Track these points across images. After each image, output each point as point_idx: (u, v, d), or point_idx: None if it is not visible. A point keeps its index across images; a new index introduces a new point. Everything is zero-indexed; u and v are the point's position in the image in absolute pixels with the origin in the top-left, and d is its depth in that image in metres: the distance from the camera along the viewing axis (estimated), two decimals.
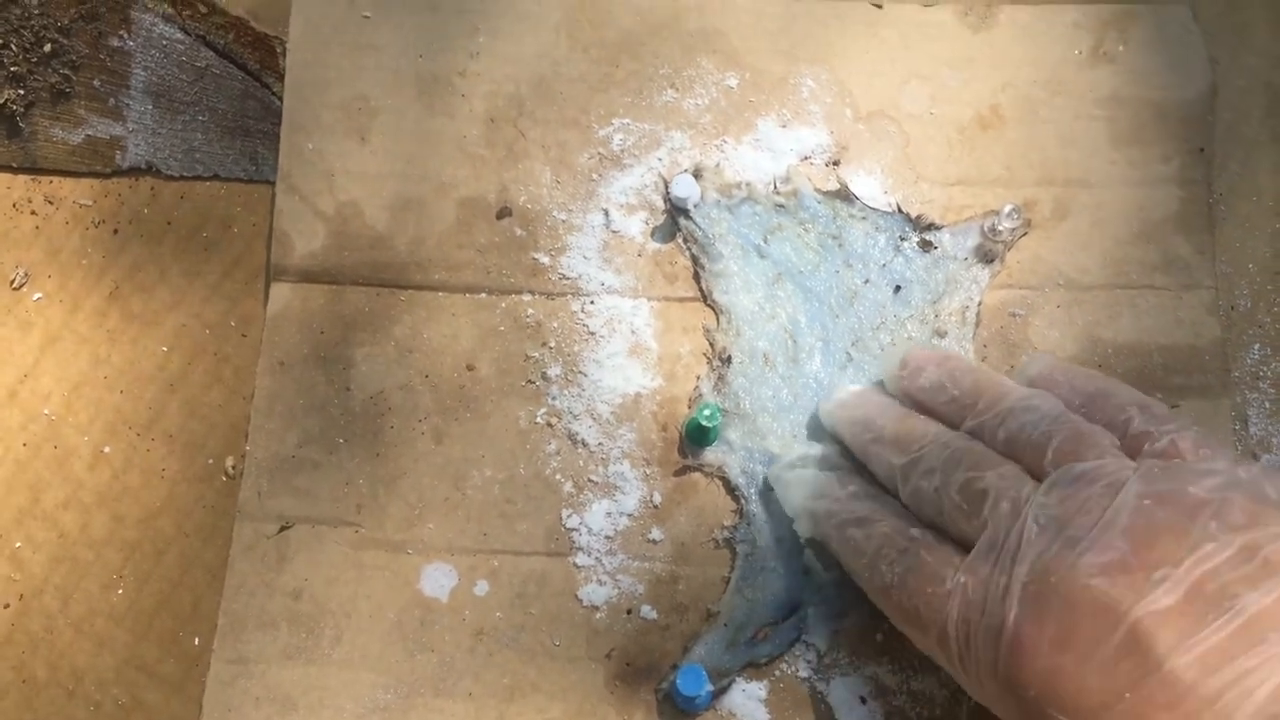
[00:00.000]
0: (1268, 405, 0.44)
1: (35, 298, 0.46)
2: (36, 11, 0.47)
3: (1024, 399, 0.39)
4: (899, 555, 0.38)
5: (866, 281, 0.45)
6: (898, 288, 0.44)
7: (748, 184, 0.46)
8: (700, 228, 0.45)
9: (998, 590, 0.35)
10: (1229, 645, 0.32)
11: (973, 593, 0.36)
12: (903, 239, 0.45)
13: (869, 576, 0.39)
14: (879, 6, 0.47)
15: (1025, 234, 0.45)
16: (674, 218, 0.45)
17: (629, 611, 0.42)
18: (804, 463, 0.42)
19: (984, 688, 0.36)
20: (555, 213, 0.46)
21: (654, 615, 0.42)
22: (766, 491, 0.43)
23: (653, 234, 0.46)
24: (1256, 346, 0.45)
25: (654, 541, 0.43)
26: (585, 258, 0.45)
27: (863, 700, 0.41)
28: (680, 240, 0.45)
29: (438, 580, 0.42)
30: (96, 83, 0.47)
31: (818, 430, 0.43)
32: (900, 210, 0.45)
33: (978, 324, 0.44)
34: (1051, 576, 0.34)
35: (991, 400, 0.39)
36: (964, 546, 0.37)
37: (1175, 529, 0.33)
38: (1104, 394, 0.39)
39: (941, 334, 0.44)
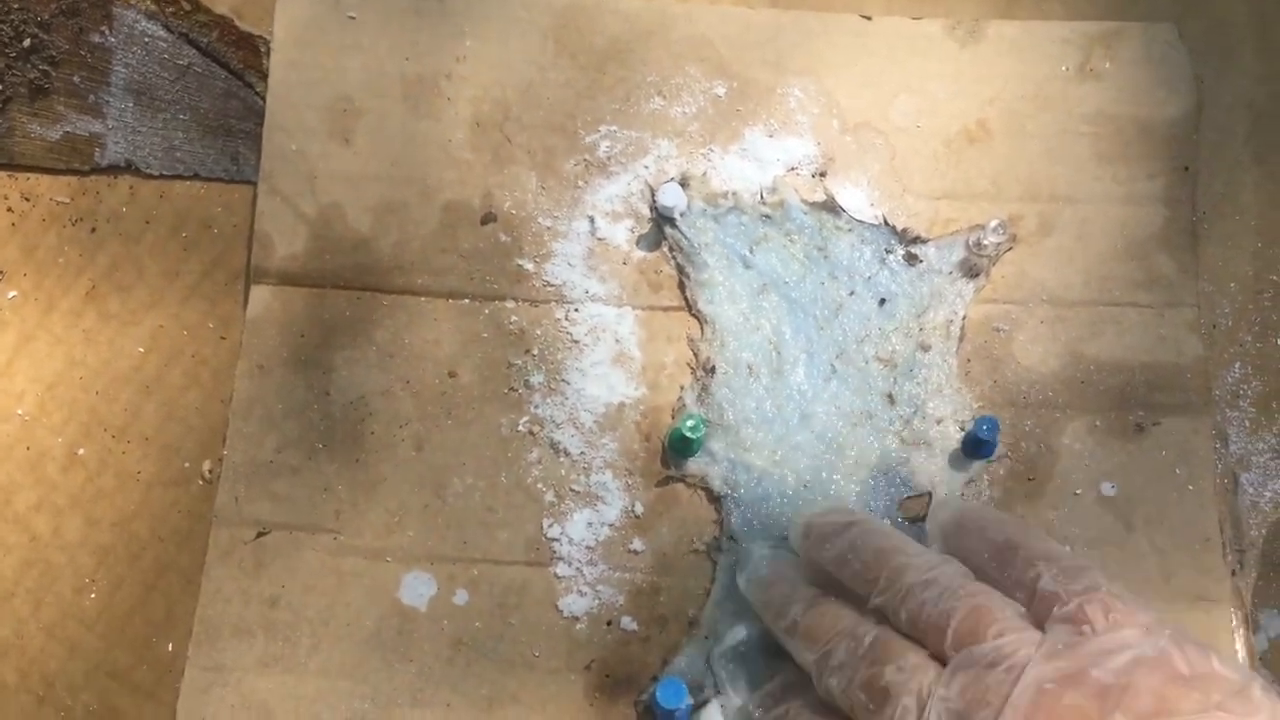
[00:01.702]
0: (1247, 424, 0.44)
1: (10, 296, 0.45)
2: (16, 6, 0.46)
3: (924, 571, 0.37)
4: None
5: (852, 293, 0.45)
6: (883, 300, 0.44)
7: (734, 194, 0.45)
8: (686, 237, 0.45)
9: None
10: None
11: None
12: (888, 252, 0.45)
13: None
14: (868, 19, 0.47)
15: (1010, 249, 0.45)
16: (660, 226, 0.45)
17: (609, 623, 0.42)
18: (738, 647, 0.41)
19: None
20: (540, 219, 0.45)
21: (634, 626, 0.42)
22: (751, 503, 0.42)
23: (638, 242, 0.45)
24: (1237, 365, 0.45)
25: (635, 552, 0.42)
26: (570, 265, 0.45)
27: None
28: (666, 249, 0.45)
29: (416, 589, 0.42)
30: (76, 79, 0.47)
31: (798, 444, 0.43)
32: (886, 223, 0.45)
33: (962, 338, 0.44)
34: None
35: (892, 575, 0.37)
36: None
37: (1083, 717, 0.32)
38: (1011, 547, 0.37)
39: (925, 348, 0.44)
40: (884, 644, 0.36)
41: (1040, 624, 0.35)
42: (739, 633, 0.41)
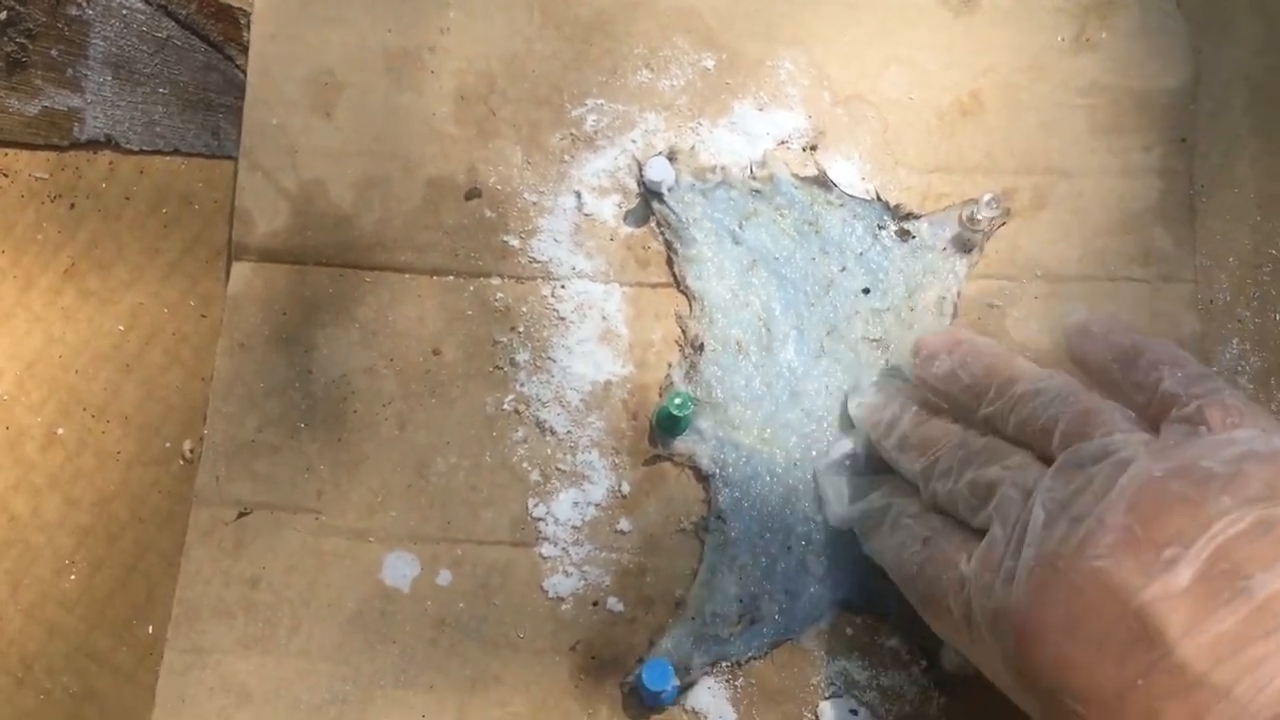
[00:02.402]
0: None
1: None
2: None
3: (1034, 382, 0.37)
4: (920, 545, 0.38)
5: (843, 269, 0.44)
6: (866, 290, 0.43)
7: (723, 168, 0.45)
8: (674, 212, 0.44)
9: (1005, 577, 0.34)
10: (1241, 631, 0.30)
11: (982, 580, 0.35)
12: (880, 227, 0.44)
13: (897, 569, 0.38)
14: None
15: (1004, 223, 0.44)
16: (647, 201, 0.44)
17: (595, 603, 0.41)
18: (843, 462, 0.42)
19: (1000, 677, 0.35)
20: (526, 194, 0.45)
21: (620, 607, 0.41)
22: (739, 482, 0.42)
23: (626, 218, 0.45)
24: (1235, 341, 0.44)
25: (622, 532, 0.42)
26: (556, 241, 0.44)
27: (853, 713, 0.40)
28: (654, 224, 0.44)
29: (399, 569, 0.41)
30: (54, 52, 0.46)
31: (787, 422, 0.42)
32: (878, 198, 0.45)
33: (955, 314, 0.44)
34: (1059, 561, 0.33)
35: (1002, 386, 0.38)
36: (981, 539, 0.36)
37: (1186, 503, 0.32)
38: (1137, 351, 0.37)
39: (918, 325, 0.43)
40: (991, 447, 0.37)
41: (1156, 427, 0.35)
42: (844, 446, 0.42)
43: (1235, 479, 0.32)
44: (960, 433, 0.39)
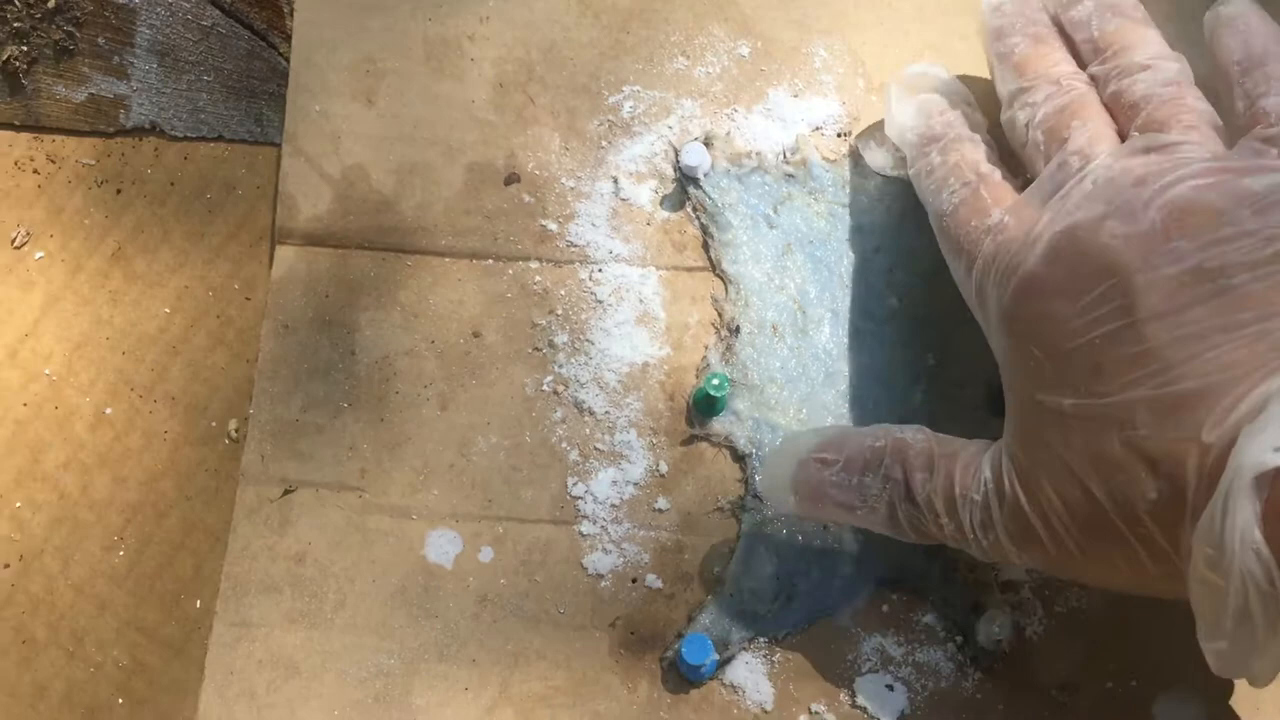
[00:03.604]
0: None
1: (37, 257, 0.46)
2: None
3: (1150, 57, 0.39)
4: (961, 186, 0.40)
5: (877, 250, 0.44)
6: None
7: (758, 153, 0.45)
8: (710, 197, 0.45)
9: (1031, 234, 0.37)
10: (1204, 318, 0.33)
11: (1008, 231, 0.37)
12: (912, 210, 0.45)
13: (934, 201, 0.41)
14: None
15: None
16: (683, 186, 0.45)
17: (634, 580, 0.42)
18: (921, 81, 0.43)
19: (987, 323, 0.38)
20: (564, 180, 0.45)
21: (659, 584, 0.42)
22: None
23: (662, 202, 0.45)
24: None
25: (660, 510, 0.42)
26: (594, 225, 0.45)
27: (889, 688, 0.41)
28: (689, 209, 0.45)
29: (442, 546, 0.42)
30: (101, 40, 0.47)
31: (823, 404, 0.43)
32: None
33: None
34: (1080, 230, 0.35)
35: (1120, 50, 0.39)
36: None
37: (1210, 211, 0.34)
38: (1265, 59, 0.38)
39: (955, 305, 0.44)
40: (1082, 102, 0.39)
41: (1240, 136, 0.37)
42: (915, 67, 0.43)
43: (1266, 201, 0.34)
44: (1066, 71, 0.40)
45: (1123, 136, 0.38)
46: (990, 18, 0.42)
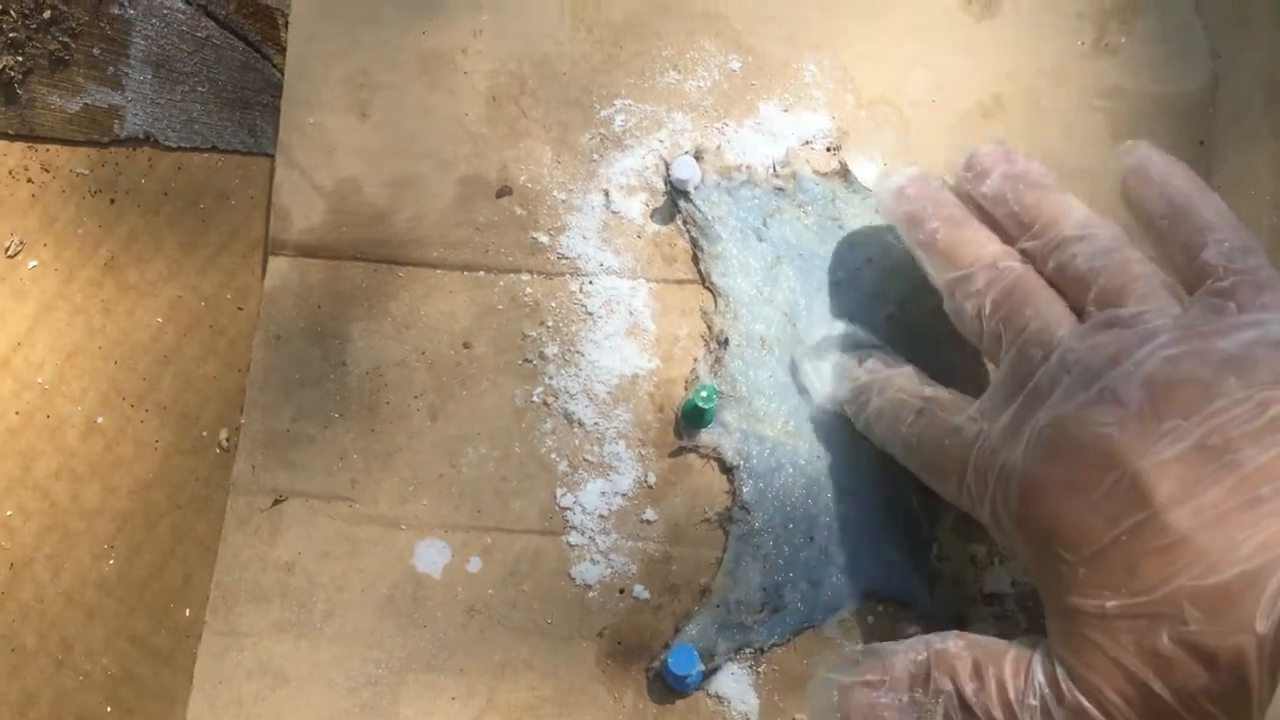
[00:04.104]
0: None
1: (30, 266, 0.46)
2: None
3: (1081, 227, 0.38)
4: (915, 416, 0.39)
5: (868, 261, 0.45)
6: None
7: (748, 167, 0.46)
8: (700, 210, 0.45)
9: (1014, 434, 0.36)
10: (1224, 499, 0.33)
11: (989, 439, 0.37)
12: None
13: (893, 440, 0.40)
14: None
15: None
16: (674, 200, 0.45)
17: (621, 591, 0.42)
18: (826, 345, 0.43)
19: (1001, 530, 0.37)
20: (555, 192, 0.46)
21: (646, 595, 0.42)
22: (763, 474, 0.43)
23: (652, 215, 0.46)
24: None
25: (648, 522, 0.43)
26: (584, 238, 0.45)
27: None
28: (680, 222, 0.45)
29: (431, 556, 0.42)
30: (96, 51, 0.47)
31: (810, 415, 0.43)
32: None
33: None
34: (1068, 423, 0.35)
35: (1048, 224, 0.39)
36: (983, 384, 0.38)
37: (1195, 383, 0.34)
38: (1189, 210, 0.37)
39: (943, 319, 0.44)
40: (1028, 287, 0.38)
41: (1191, 289, 0.37)
42: (818, 333, 0.43)
43: (1245, 363, 0.34)
44: (998, 251, 0.39)
45: (1075, 311, 0.37)
46: (896, 204, 0.41)
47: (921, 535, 0.42)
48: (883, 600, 0.42)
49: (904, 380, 0.40)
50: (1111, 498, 0.34)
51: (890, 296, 0.44)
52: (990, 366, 0.41)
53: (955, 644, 0.37)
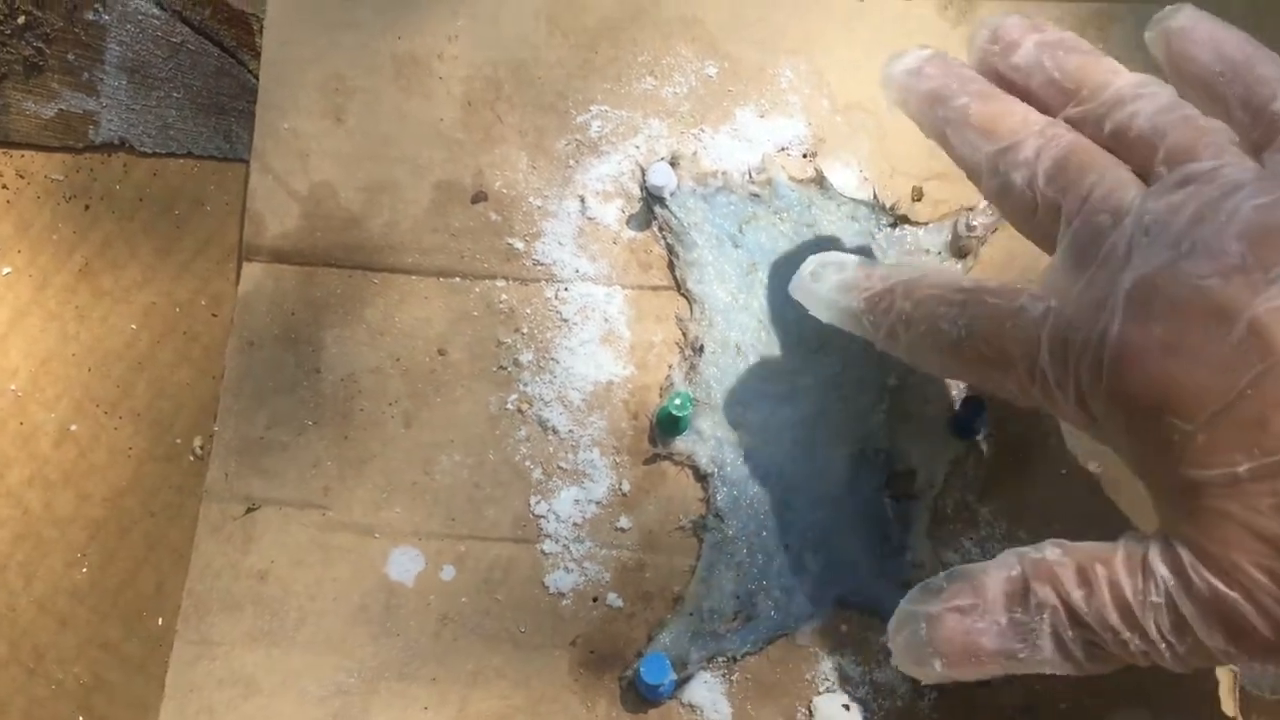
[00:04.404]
0: None
1: (4, 272, 0.46)
2: None
3: (1135, 85, 0.35)
4: (958, 309, 0.36)
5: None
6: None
7: (724, 173, 0.46)
8: (676, 216, 0.45)
9: (1095, 303, 0.33)
10: None
11: (1063, 313, 0.34)
12: (877, 229, 0.45)
13: (930, 343, 0.36)
14: None
15: (998, 230, 0.45)
16: (650, 206, 0.45)
17: (595, 599, 0.42)
18: (823, 269, 0.40)
19: (1087, 410, 0.34)
20: (531, 198, 0.45)
21: (620, 603, 0.42)
22: (737, 481, 0.43)
23: (628, 222, 0.45)
24: None
25: (622, 529, 0.42)
26: (560, 244, 0.45)
27: (845, 708, 0.41)
28: (655, 229, 0.45)
29: (404, 564, 0.42)
30: (70, 56, 0.47)
31: (785, 422, 0.43)
32: (875, 198, 0.45)
33: None
34: (1158, 281, 0.32)
35: (1097, 86, 0.36)
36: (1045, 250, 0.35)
37: None
38: (1249, 64, 0.35)
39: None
40: (1085, 150, 0.35)
41: (1259, 150, 0.34)
42: (812, 261, 0.40)
43: None
44: (1039, 120, 0.36)
45: (1140, 174, 0.35)
46: (914, 82, 0.38)
47: (894, 542, 0.42)
48: (856, 609, 0.42)
49: (936, 275, 0.37)
50: (1226, 351, 0.31)
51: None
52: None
53: (1053, 552, 0.34)
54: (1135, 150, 0.35)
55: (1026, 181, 0.35)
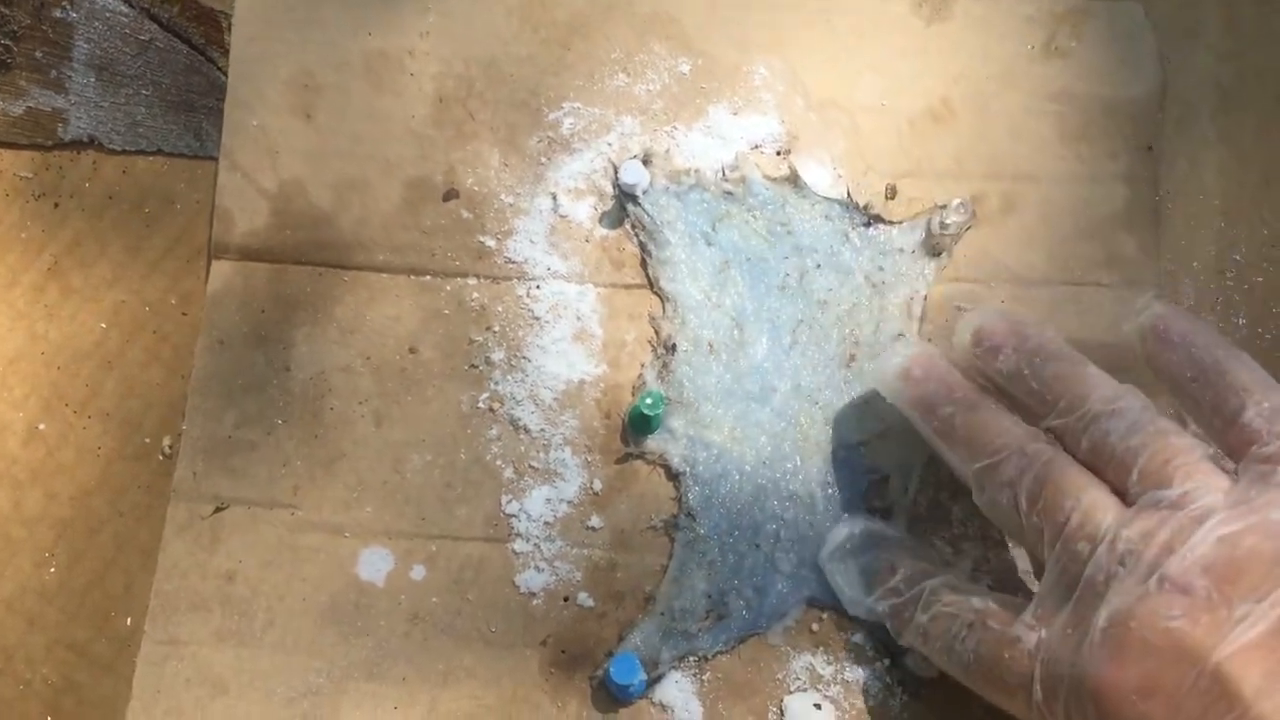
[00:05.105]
0: None
1: None
2: None
3: (1109, 401, 0.36)
4: (968, 631, 0.37)
5: (818, 266, 0.44)
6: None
7: (697, 171, 0.45)
8: (648, 214, 0.45)
9: (1076, 639, 0.34)
10: None
11: (1051, 647, 0.35)
12: (851, 228, 0.45)
13: (947, 660, 0.38)
14: None
15: (972, 228, 0.45)
16: (622, 204, 0.45)
17: (566, 599, 0.42)
18: (850, 544, 0.41)
19: None
20: (502, 196, 0.45)
21: (591, 603, 0.42)
22: (709, 481, 0.42)
23: (601, 219, 0.45)
24: None
25: (593, 529, 0.42)
26: (532, 242, 0.45)
27: (817, 707, 0.41)
28: (628, 226, 0.45)
29: (374, 564, 0.42)
30: (38, 54, 0.47)
31: (757, 422, 0.43)
32: (849, 197, 0.45)
33: (923, 317, 0.44)
34: (1131, 621, 0.33)
35: (1074, 400, 0.37)
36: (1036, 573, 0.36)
37: (1259, 560, 0.32)
38: (1219, 370, 0.36)
39: (887, 326, 0.44)
40: (1062, 471, 0.36)
41: (1234, 457, 0.35)
42: (840, 534, 0.41)
43: None
44: (1023, 434, 0.37)
45: (1116, 491, 0.36)
46: (904, 387, 0.40)
47: None
48: (827, 608, 0.42)
49: (948, 593, 0.38)
50: (1194, 696, 0.32)
51: (840, 301, 0.44)
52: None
53: None
54: (1111, 469, 0.36)
55: (1010, 502, 0.37)
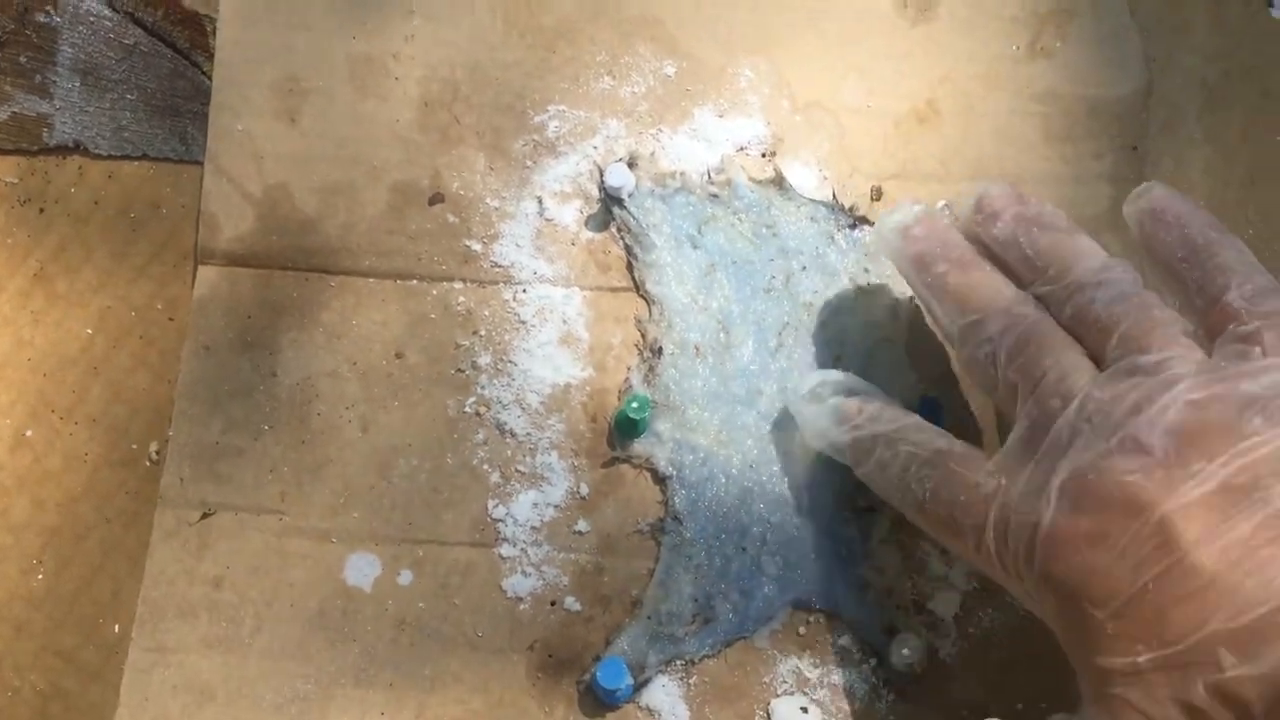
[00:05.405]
0: None
1: None
2: None
3: (1097, 271, 0.37)
4: (928, 470, 0.38)
5: (804, 269, 0.44)
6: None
7: (682, 174, 0.45)
8: (634, 217, 0.45)
9: (1035, 489, 0.35)
10: (1253, 536, 0.32)
11: (1009, 494, 0.36)
12: (837, 229, 0.45)
13: (901, 496, 0.39)
14: None
15: None
16: (608, 207, 0.45)
17: (553, 603, 0.42)
18: (822, 389, 0.41)
19: (1022, 584, 0.36)
20: (488, 200, 0.45)
21: (578, 607, 0.42)
22: (695, 484, 0.43)
23: (587, 223, 0.45)
24: None
25: (580, 533, 0.42)
26: (518, 246, 0.45)
27: (804, 710, 0.41)
28: (614, 230, 0.45)
29: (361, 569, 0.42)
30: (22, 59, 0.46)
31: (744, 425, 0.43)
32: (835, 199, 0.45)
33: (909, 320, 0.44)
34: (1090, 474, 0.34)
35: (1062, 269, 0.38)
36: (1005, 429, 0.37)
37: (1221, 426, 0.33)
38: (1209, 250, 0.37)
39: (872, 327, 0.44)
40: (1044, 333, 0.37)
41: (1213, 337, 0.36)
42: (814, 378, 0.41)
43: (1271, 404, 0.33)
44: (1011, 296, 0.38)
45: (1094, 357, 0.36)
46: (902, 244, 0.40)
47: (853, 546, 0.42)
48: (814, 611, 0.42)
49: (914, 433, 0.39)
50: (1137, 544, 0.33)
51: (820, 305, 0.44)
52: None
53: None
54: (1092, 335, 0.37)
55: (989, 358, 0.37)
